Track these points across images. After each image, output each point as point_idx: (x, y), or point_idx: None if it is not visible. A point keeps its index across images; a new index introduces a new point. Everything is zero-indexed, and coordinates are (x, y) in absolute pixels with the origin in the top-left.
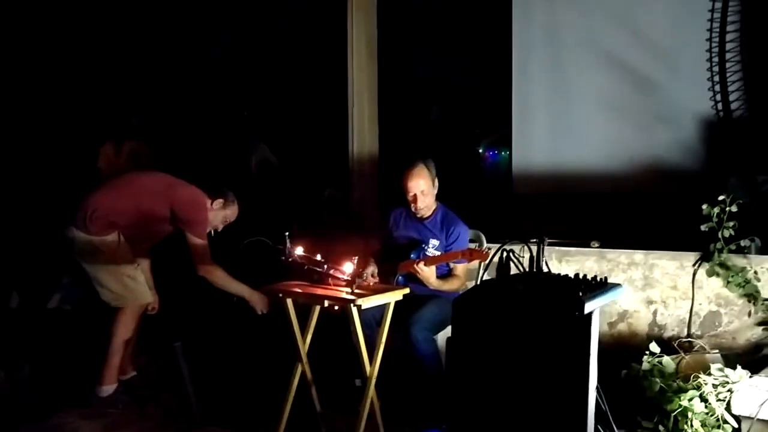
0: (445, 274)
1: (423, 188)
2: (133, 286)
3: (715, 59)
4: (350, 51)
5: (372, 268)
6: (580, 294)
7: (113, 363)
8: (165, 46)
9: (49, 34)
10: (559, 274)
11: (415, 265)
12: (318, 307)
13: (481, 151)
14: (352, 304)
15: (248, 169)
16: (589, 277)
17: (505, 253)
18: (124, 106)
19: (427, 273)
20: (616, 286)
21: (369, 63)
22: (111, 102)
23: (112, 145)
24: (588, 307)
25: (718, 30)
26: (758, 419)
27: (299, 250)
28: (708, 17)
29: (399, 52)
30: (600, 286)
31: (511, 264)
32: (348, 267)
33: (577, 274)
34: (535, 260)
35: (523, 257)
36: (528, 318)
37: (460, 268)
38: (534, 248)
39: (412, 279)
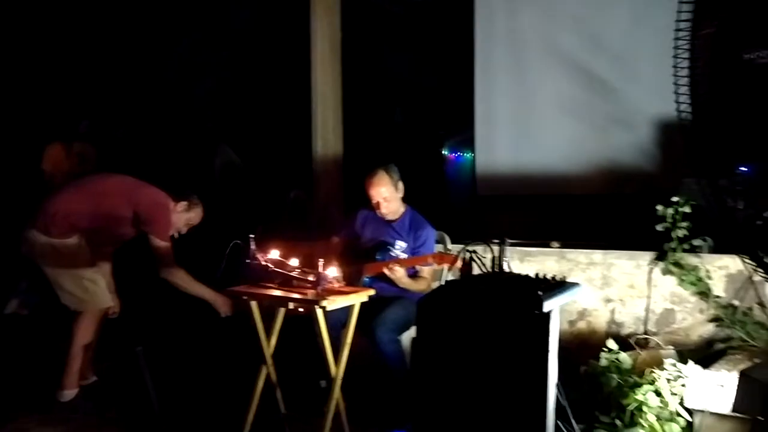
0: (412, 275)
1: (385, 195)
2: (94, 289)
3: (683, 65)
4: (314, 52)
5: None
6: (540, 293)
7: (74, 367)
8: (127, 47)
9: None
10: (519, 274)
11: (390, 266)
12: (283, 310)
13: (445, 152)
14: (317, 306)
15: (212, 171)
16: (548, 276)
17: (468, 254)
18: (79, 108)
19: (400, 273)
20: (574, 285)
21: (333, 64)
22: (65, 104)
23: (62, 146)
24: (547, 305)
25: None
26: (710, 412)
27: (265, 252)
28: (661, 25)
29: (363, 53)
30: (559, 286)
31: (474, 264)
32: (314, 269)
33: (537, 274)
34: (497, 260)
35: (486, 258)
36: (490, 317)
37: (426, 270)
38: (496, 249)
39: (378, 280)
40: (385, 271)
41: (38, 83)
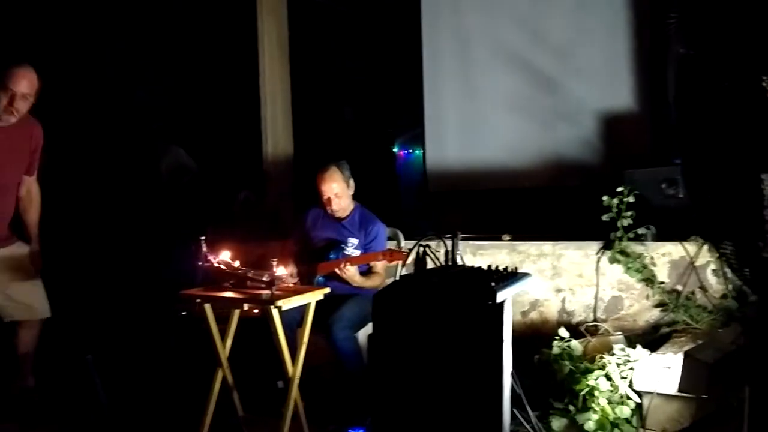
0: (365, 271)
1: (336, 191)
2: None
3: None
4: (261, 51)
5: (291, 269)
6: (493, 284)
7: None
8: (67, 45)
9: None
10: (472, 267)
11: (341, 266)
12: (237, 311)
13: (395, 150)
14: (272, 306)
15: (158, 173)
16: (500, 268)
17: (421, 249)
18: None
19: (352, 272)
20: (525, 275)
21: (281, 63)
22: None
23: None
24: (500, 296)
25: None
26: (657, 393)
27: (216, 255)
28: (603, 20)
29: (311, 52)
30: (510, 276)
31: (428, 259)
32: (267, 269)
33: (489, 266)
34: (450, 254)
35: (439, 252)
36: (445, 309)
37: (379, 265)
38: (449, 243)
39: (332, 278)
40: (337, 271)
41: None
